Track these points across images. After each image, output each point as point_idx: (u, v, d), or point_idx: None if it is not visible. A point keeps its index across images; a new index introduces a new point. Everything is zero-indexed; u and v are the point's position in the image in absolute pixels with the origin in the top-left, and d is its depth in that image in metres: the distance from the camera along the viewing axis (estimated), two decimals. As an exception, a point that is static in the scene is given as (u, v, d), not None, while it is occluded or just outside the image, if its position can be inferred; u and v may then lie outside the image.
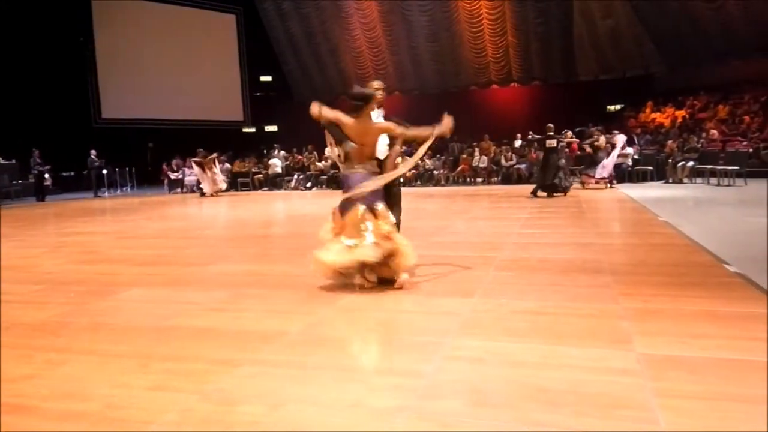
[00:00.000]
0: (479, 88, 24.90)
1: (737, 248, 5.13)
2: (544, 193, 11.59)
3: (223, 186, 17.59)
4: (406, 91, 24.93)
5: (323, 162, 19.19)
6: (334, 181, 18.28)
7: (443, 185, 17.50)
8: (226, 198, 16.44)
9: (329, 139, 4.51)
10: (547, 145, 11.77)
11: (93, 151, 18.42)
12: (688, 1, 18.84)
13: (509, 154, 17.78)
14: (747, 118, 17.26)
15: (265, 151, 22.39)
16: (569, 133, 12.73)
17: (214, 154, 17.37)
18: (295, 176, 19.30)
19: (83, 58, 22.34)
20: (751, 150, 14.56)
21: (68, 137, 20.31)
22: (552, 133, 11.77)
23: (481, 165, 17.91)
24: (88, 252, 6.58)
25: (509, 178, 17.18)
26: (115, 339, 3.18)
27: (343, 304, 3.76)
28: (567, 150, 12.46)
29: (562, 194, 11.58)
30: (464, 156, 18.44)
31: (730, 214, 8.03)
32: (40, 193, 17.38)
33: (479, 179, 17.82)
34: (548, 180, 11.57)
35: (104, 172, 19.35)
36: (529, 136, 13.50)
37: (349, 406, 2.20)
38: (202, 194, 17.02)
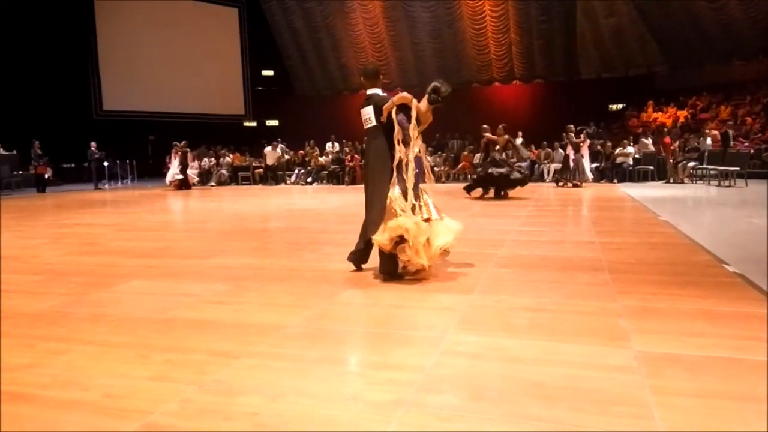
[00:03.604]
0: (481, 85, 24.90)
1: (737, 249, 5.14)
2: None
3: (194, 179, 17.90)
4: (407, 87, 24.87)
5: (325, 157, 19.19)
6: (335, 176, 18.30)
7: (444, 182, 17.50)
8: (227, 192, 16.44)
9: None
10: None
11: (93, 143, 18.40)
12: (691, 1, 18.83)
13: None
14: (749, 119, 17.27)
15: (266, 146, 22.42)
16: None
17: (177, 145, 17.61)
18: (296, 171, 19.31)
19: (85, 50, 22.31)
20: (752, 151, 14.57)
21: (69, 129, 20.32)
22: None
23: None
24: (88, 243, 6.59)
25: (510, 175, 17.14)
26: (114, 329, 3.19)
27: (341, 299, 3.77)
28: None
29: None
30: (465, 153, 18.43)
31: (730, 215, 8.03)
32: (40, 184, 17.38)
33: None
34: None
35: (105, 164, 19.34)
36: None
37: (348, 399, 2.22)
38: (180, 187, 17.15)
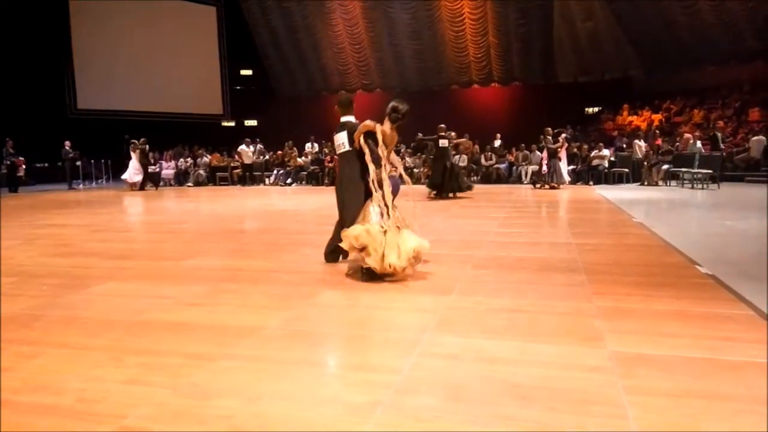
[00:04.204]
0: (460, 87, 25.04)
1: (709, 250, 5.24)
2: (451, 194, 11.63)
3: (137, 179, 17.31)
4: (387, 88, 24.99)
5: (303, 158, 19.12)
6: (314, 176, 18.24)
7: (423, 183, 17.52)
8: (204, 192, 16.27)
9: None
10: (439, 145, 11.86)
11: (68, 142, 18.07)
12: (666, 7, 19.16)
13: (489, 153, 17.91)
14: (721, 123, 17.61)
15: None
16: (453, 134, 12.45)
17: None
18: (275, 171, 19.20)
19: (59, 47, 21.89)
20: (724, 154, 14.86)
21: (43, 127, 19.92)
22: (443, 134, 11.74)
23: (461, 164, 17.99)
24: (61, 245, 6.47)
25: (489, 177, 17.32)
26: (88, 332, 3.14)
27: (320, 300, 3.76)
28: (454, 151, 12.23)
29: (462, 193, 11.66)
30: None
31: (702, 217, 8.19)
32: (13, 184, 17.02)
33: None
34: (437, 179, 11.62)
35: (79, 163, 19.01)
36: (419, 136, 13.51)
37: (325, 401, 2.21)
38: (142, 187, 16.88)
